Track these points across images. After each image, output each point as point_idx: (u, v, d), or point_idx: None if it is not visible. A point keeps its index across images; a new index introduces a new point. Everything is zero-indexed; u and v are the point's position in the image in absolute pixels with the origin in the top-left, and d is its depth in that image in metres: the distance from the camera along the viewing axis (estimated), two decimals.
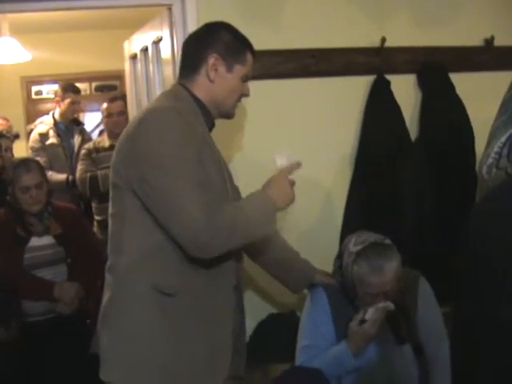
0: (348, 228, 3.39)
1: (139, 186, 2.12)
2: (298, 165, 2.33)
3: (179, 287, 2.18)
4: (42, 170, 3.76)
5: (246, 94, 2.42)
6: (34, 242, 3.59)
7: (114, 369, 2.24)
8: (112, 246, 2.30)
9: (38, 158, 5.00)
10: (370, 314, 2.57)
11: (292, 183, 2.28)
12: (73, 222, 3.73)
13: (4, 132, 5.34)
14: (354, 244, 2.72)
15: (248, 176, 3.25)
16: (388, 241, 2.71)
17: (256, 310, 3.40)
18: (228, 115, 2.43)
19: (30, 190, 3.58)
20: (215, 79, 2.31)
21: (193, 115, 2.26)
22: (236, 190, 2.54)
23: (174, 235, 2.08)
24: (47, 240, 3.61)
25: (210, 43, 2.32)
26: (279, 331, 3.29)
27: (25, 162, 3.71)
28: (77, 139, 5.54)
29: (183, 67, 2.39)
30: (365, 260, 2.64)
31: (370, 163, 3.47)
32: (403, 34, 3.60)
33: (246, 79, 2.38)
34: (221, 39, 2.33)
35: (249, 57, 2.37)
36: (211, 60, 2.30)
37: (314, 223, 3.54)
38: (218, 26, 2.38)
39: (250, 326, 3.26)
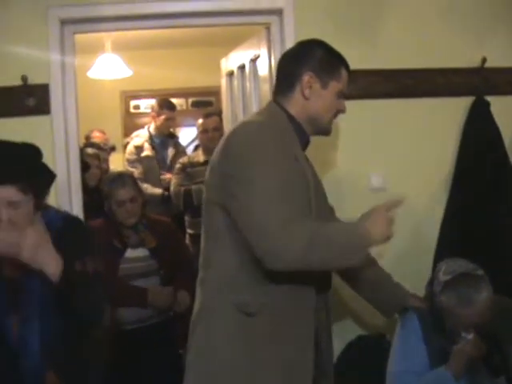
0: (441, 253, 3.31)
1: (229, 199, 2.14)
2: (398, 202, 2.26)
3: (260, 308, 2.17)
4: (136, 183, 3.84)
5: (341, 111, 2.41)
6: (129, 253, 3.66)
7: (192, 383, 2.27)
8: (202, 261, 2.33)
9: (134, 170, 5.20)
10: (471, 336, 2.50)
11: (391, 220, 2.20)
12: (167, 235, 3.77)
13: (101, 144, 5.51)
14: (443, 273, 2.65)
15: (340, 194, 3.25)
16: (480, 271, 2.62)
17: (345, 331, 3.38)
18: (325, 132, 2.43)
19: (125, 204, 3.66)
20: (310, 96, 2.32)
21: (284, 131, 2.28)
22: (330, 210, 2.53)
23: (252, 246, 2.07)
24: (141, 252, 3.67)
25: (304, 61, 2.33)
26: (368, 354, 3.25)
27: (120, 177, 3.79)
28: (171, 151, 5.66)
29: (278, 85, 2.41)
30: (453, 291, 2.57)
31: (467, 188, 3.40)
32: (503, 54, 3.52)
33: (341, 95, 2.37)
34: (315, 56, 2.34)
35: (343, 72, 2.37)
36: (306, 78, 2.31)
37: (406, 246, 3.49)
38: (312, 44, 2.39)
39: (339, 347, 3.24)
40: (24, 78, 3.35)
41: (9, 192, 2.10)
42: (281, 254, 2.02)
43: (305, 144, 2.39)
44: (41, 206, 2.24)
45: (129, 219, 3.67)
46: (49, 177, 2.28)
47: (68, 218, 2.36)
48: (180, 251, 3.87)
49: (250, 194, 2.07)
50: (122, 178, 3.78)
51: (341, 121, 2.57)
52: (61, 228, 2.24)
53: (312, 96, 2.32)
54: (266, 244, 2.02)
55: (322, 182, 2.49)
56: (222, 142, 2.26)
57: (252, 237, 2.06)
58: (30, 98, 3.38)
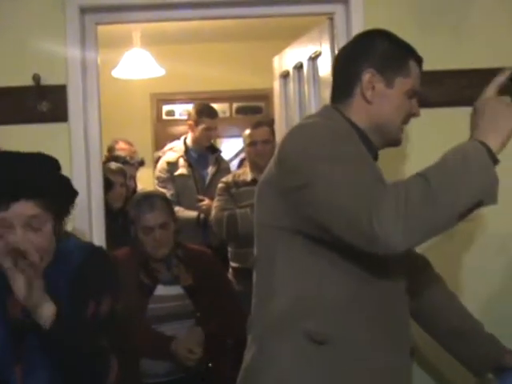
0: None
1: (304, 209, 2.09)
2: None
3: (334, 335, 2.13)
4: (169, 206, 3.84)
5: (415, 114, 2.35)
6: (160, 290, 3.64)
7: None
8: (259, 294, 2.31)
9: (165, 191, 5.20)
10: None
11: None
12: (206, 270, 3.76)
13: (127, 158, 5.49)
14: None
15: None
16: None
17: None
18: (394, 141, 2.37)
19: (153, 231, 3.66)
20: (373, 99, 2.27)
21: (351, 136, 2.24)
22: None
23: (343, 235, 1.98)
24: (175, 290, 3.65)
25: (362, 56, 2.29)
26: None
27: (148, 198, 3.80)
28: (211, 169, 5.67)
29: (335, 88, 2.38)
30: None
31: None
32: None
33: (412, 94, 2.31)
34: (375, 49, 2.29)
35: (413, 66, 2.31)
36: (366, 77, 2.26)
37: (500, 286, 3.40)
38: (372, 35, 2.36)
39: None
40: (36, 78, 3.36)
41: (25, 207, 2.14)
42: (382, 224, 1.86)
43: (374, 159, 2.33)
44: (61, 232, 2.26)
45: (159, 250, 3.66)
46: (71, 193, 2.29)
47: (90, 250, 2.38)
48: (222, 290, 3.85)
49: (329, 187, 2.00)
50: (151, 199, 3.79)
51: (414, 129, 2.50)
52: (81, 263, 2.25)
53: (376, 98, 2.27)
54: (359, 220, 1.90)
55: None
56: (275, 154, 2.24)
57: (339, 222, 1.98)
58: (43, 102, 3.39)
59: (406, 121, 2.35)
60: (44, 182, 2.19)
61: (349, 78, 2.30)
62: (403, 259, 2.19)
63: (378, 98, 2.27)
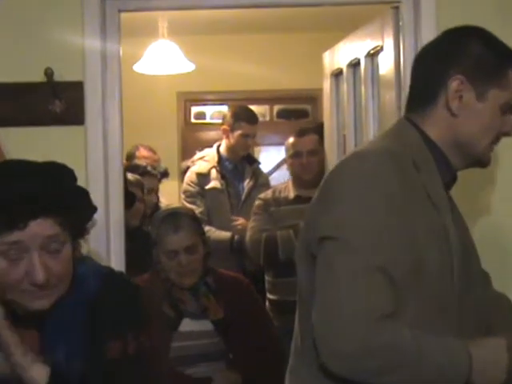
0: None
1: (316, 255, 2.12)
2: None
3: None
4: (197, 226, 3.85)
5: (508, 133, 2.33)
6: (186, 325, 3.64)
7: None
8: (300, 337, 2.30)
9: (194, 207, 5.18)
10: None
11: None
12: (241, 302, 3.74)
13: (149, 168, 5.50)
14: None
15: (498, 254, 3.17)
16: None
17: None
18: (480, 162, 2.36)
19: (178, 256, 3.66)
20: (460, 111, 2.25)
21: (419, 166, 2.22)
22: (483, 278, 2.46)
23: (316, 329, 2.03)
24: (203, 325, 3.65)
25: (451, 60, 2.27)
26: None
27: (173, 216, 3.81)
28: (248, 183, 5.68)
29: (412, 95, 2.37)
30: None
31: None
32: None
33: (507, 109, 2.29)
34: (468, 53, 2.27)
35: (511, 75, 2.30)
36: (454, 84, 2.24)
37: None
38: (466, 34, 2.33)
39: None
40: (49, 73, 3.39)
41: (44, 226, 2.11)
42: (348, 361, 1.99)
43: (450, 181, 2.33)
44: (78, 255, 2.26)
45: (184, 278, 3.66)
46: (90, 209, 2.30)
47: (110, 277, 2.36)
48: (259, 324, 3.82)
49: (342, 257, 2.03)
50: (176, 217, 3.80)
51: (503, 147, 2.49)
52: (99, 292, 2.24)
53: (463, 111, 2.25)
54: (335, 334, 1.99)
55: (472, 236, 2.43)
56: (324, 178, 2.25)
57: (321, 313, 2.03)
58: (57, 101, 3.42)
59: (496, 140, 2.33)
60: (62, 196, 2.17)
61: (432, 84, 2.29)
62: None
63: (466, 111, 2.25)
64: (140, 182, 4.91)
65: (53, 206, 2.13)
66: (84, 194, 2.29)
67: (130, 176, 4.82)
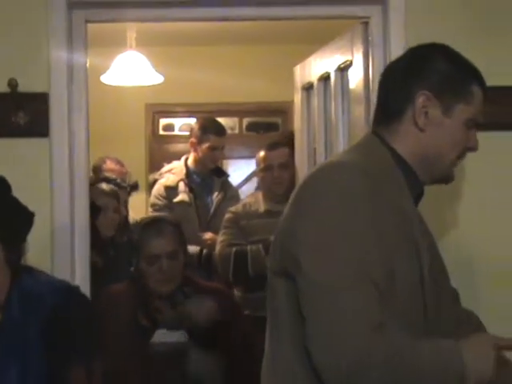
0: None
1: (293, 268, 2.11)
2: None
3: None
4: (180, 234, 3.85)
5: (472, 148, 2.35)
6: (160, 336, 3.60)
7: None
8: (266, 361, 2.30)
9: None
10: None
11: (504, 362, 2.17)
12: (222, 313, 3.67)
13: (118, 180, 5.48)
14: None
15: (465, 270, 3.18)
16: None
17: None
18: (444, 178, 2.39)
19: (159, 260, 3.65)
20: (426, 127, 2.27)
21: (389, 180, 2.24)
22: (452, 295, 2.48)
23: (312, 350, 2.02)
24: (180, 336, 3.61)
25: (417, 76, 2.30)
26: None
27: (156, 222, 3.86)
28: (216, 196, 5.66)
29: (379, 109, 2.39)
30: None
31: None
32: None
33: (472, 125, 2.32)
34: (434, 69, 2.30)
35: (476, 91, 2.31)
36: (420, 99, 2.26)
37: None
38: (432, 51, 2.36)
39: None
40: (12, 84, 3.38)
41: None
42: (351, 377, 1.97)
43: (417, 196, 2.35)
44: (17, 266, 2.24)
45: (164, 284, 3.66)
46: (24, 217, 2.27)
47: (67, 293, 2.33)
48: (239, 337, 3.79)
49: (324, 270, 2.04)
50: (160, 223, 3.85)
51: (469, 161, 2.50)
52: (56, 309, 2.22)
53: (429, 126, 2.27)
54: (336, 352, 1.97)
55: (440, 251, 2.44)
56: (295, 192, 2.24)
57: (318, 334, 2.02)
58: (20, 113, 3.40)
59: (462, 155, 2.35)
60: None
61: (399, 99, 2.31)
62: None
63: (432, 127, 2.28)
64: (115, 193, 4.89)
65: None
66: (11, 200, 2.26)
67: (104, 186, 4.82)
